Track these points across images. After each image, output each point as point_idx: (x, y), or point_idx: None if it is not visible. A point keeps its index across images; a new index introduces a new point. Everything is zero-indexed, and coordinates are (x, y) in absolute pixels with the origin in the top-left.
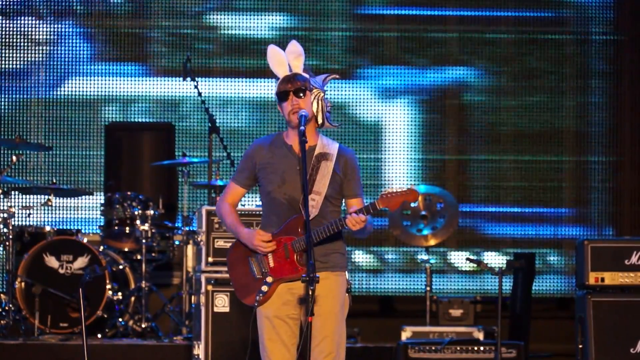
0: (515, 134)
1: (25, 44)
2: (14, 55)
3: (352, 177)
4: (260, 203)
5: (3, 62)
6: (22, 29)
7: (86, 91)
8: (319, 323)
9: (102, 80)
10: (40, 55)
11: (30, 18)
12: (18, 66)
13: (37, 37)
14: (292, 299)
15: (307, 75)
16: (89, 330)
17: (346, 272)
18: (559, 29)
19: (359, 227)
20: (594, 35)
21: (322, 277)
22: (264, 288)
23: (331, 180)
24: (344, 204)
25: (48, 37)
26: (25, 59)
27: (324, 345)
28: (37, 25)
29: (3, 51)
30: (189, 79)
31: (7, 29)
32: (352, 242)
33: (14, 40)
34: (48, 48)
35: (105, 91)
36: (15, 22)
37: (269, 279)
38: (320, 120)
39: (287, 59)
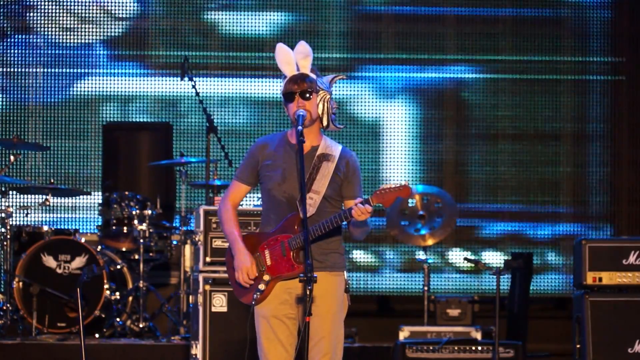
0: (514, 132)
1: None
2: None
3: (353, 179)
4: (258, 203)
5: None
6: None
7: (84, 90)
8: (317, 323)
9: (100, 79)
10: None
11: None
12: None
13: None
14: (289, 298)
15: (314, 76)
16: (86, 330)
17: (344, 272)
18: (557, 28)
19: (365, 217)
20: (592, 34)
21: (320, 277)
22: (261, 286)
23: (331, 180)
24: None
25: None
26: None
27: (321, 345)
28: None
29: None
30: (186, 78)
31: None
32: (351, 241)
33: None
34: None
35: (103, 90)
36: None
37: (266, 277)
38: (325, 123)
39: (295, 59)
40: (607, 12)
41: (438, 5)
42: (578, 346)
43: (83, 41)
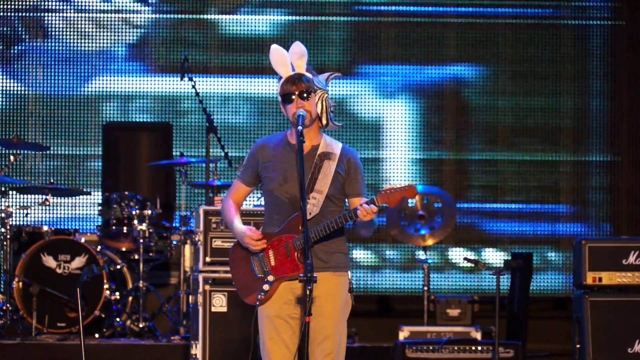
0: (514, 131)
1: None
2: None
3: (355, 177)
4: (258, 202)
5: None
6: None
7: (84, 90)
8: (321, 323)
9: (100, 78)
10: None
11: None
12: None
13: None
14: (293, 298)
15: (310, 76)
16: (86, 330)
17: (348, 272)
18: (557, 27)
19: (370, 217)
20: (592, 33)
21: (324, 277)
22: (266, 287)
23: (333, 179)
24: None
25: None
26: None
27: (325, 345)
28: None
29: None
30: (186, 78)
31: None
32: (351, 240)
33: None
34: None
35: (103, 90)
36: None
37: (270, 278)
38: (324, 121)
39: (290, 59)
40: (608, 12)
41: (438, 5)
42: (578, 346)
43: (83, 42)
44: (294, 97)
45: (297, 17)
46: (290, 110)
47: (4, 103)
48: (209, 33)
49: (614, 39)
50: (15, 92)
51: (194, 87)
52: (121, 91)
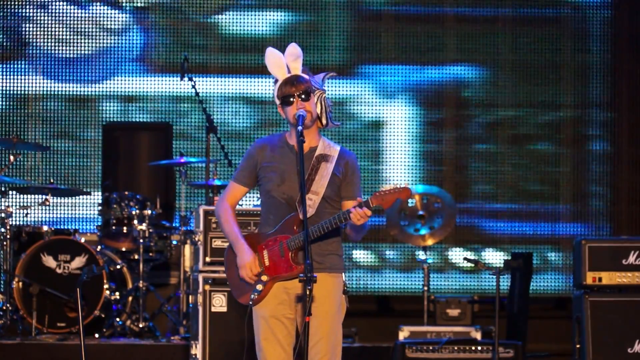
0: (514, 131)
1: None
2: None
3: (352, 180)
4: (258, 202)
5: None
6: None
7: (84, 90)
8: (315, 324)
9: (100, 78)
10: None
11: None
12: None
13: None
14: (288, 298)
15: (307, 77)
16: (86, 330)
17: (343, 273)
18: (557, 27)
19: (363, 221)
20: (592, 34)
21: (318, 278)
22: (259, 287)
23: (330, 181)
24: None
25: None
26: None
27: (320, 346)
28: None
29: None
30: (186, 78)
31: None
32: (350, 241)
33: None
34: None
35: (103, 90)
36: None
37: (264, 278)
38: (324, 121)
39: (286, 61)
40: (608, 12)
41: (438, 5)
42: (578, 346)
43: (83, 42)
44: (293, 99)
45: (297, 17)
46: (290, 112)
47: (4, 103)
48: (209, 33)
49: (614, 39)
50: (15, 92)
51: (194, 87)
52: (121, 91)
